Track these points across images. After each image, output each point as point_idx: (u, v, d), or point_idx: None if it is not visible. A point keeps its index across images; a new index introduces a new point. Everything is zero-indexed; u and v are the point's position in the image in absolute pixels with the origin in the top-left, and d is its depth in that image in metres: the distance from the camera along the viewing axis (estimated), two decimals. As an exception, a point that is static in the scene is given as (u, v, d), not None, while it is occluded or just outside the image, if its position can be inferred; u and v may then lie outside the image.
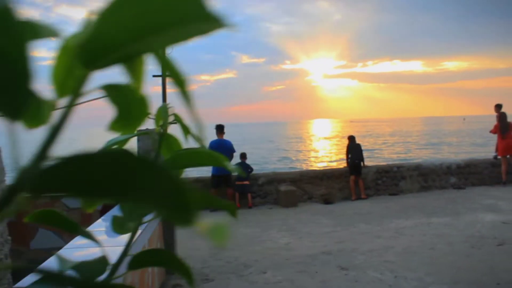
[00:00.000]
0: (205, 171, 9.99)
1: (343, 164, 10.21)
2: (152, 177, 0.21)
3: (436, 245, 5.70)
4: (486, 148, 24.21)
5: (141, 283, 3.20)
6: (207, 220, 0.24)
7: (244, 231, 6.79)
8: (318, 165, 27.92)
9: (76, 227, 0.58)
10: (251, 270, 5.02)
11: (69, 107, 0.27)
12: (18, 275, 1.98)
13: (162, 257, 0.59)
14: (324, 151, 41.86)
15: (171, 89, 0.31)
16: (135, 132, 0.49)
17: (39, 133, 0.30)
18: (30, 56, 0.25)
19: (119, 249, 0.52)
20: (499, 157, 10.14)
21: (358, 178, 9.35)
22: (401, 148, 38.84)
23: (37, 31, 0.26)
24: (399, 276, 4.62)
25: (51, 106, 0.30)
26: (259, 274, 4.87)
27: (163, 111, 0.61)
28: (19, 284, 1.67)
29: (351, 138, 9.78)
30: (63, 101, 0.29)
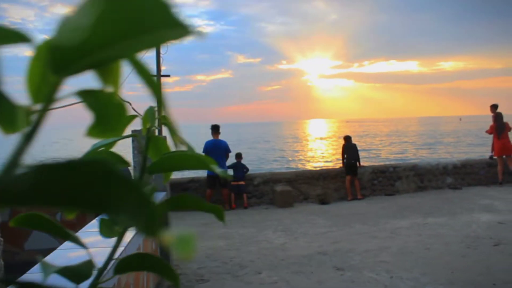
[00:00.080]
0: (201, 172, 9.96)
1: (339, 164, 10.23)
2: (120, 189, 0.21)
3: (432, 245, 5.72)
4: (483, 148, 24.28)
5: (136, 284, 3.19)
6: (173, 231, 0.24)
7: (239, 232, 6.79)
8: (314, 165, 27.93)
9: (62, 231, 0.58)
10: (246, 270, 5.02)
11: (42, 113, 0.27)
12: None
13: (149, 262, 0.58)
14: (320, 151, 41.91)
15: (145, 93, 0.30)
16: (121, 136, 0.48)
17: (14, 140, 0.29)
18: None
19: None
20: (495, 157, 10.17)
21: (354, 178, 9.36)
22: (397, 148, 38.92)
23: (6, 36, 0.26)
24: (395, 277, 4.62)
25: (26, 112, 0.29)
26: (254, 275, 4.87)
27: (150, 113, 0.61)
28: None
29: (347, 138, 9.79)
30: (38, 107, 0.29)
